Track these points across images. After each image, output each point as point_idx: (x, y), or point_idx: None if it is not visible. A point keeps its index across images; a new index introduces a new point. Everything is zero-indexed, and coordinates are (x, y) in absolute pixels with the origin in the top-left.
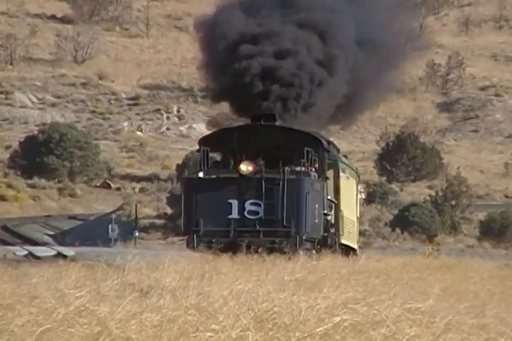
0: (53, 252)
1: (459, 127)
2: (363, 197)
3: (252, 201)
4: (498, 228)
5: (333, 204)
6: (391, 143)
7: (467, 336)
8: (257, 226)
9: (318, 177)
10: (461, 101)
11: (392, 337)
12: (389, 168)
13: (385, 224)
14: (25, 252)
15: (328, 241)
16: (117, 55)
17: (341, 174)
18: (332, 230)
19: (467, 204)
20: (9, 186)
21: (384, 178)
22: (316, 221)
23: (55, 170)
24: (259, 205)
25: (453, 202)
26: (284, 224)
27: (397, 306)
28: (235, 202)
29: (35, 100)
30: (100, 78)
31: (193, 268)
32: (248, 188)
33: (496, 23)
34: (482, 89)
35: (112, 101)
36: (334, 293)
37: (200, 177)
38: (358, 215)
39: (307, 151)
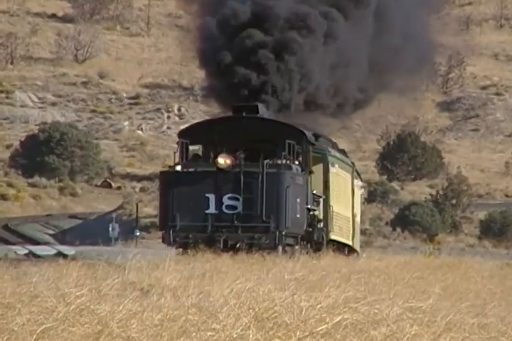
0: (54, 251)
1: (459, 126)
2: (363, 192)
3: (230, 195)
4: (498, 227)
5: (321, 199)
6: (392, 143)
7: (468, 335)
8: (235, 222)
9: (302, 170)
10: (462, 101)
11: (393, 336)
12: (390, 167)
13: (386, 223)
14: (26, 251)
15: (314, 236)
16: (118, 54)
17: (331, 168)
18: (319, 225)
19: (468, 204)
20: (10, 185)
21: (384, 177)
22: (298, 216)
23: (55, 170)
24: (238, 200)
25: (453, 201)
26: (263, 219)
27: (397, 305)
28: (212, 197)
29: (35, 99)
30: (101, 77)
31: (194, 268)
32: (226, 182)
33: (497, 22)
34: (483, 88)
35: (113, 101)
36: (335, 292)
37: (177, 171)
38: (356, 211)
39: (289, 144)
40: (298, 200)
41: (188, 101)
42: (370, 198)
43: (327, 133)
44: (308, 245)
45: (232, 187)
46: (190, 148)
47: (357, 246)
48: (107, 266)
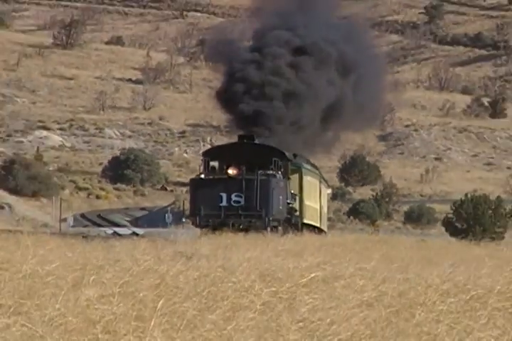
0: (130, 231)
1: (391, 151)
2: (329, 193)
3: (236, 194)
4: (416, 216)
5: (297, 197)
6: (347, 161)
7: (397, 286)
8: (240, 211)
9: (283, 177)
10: (393, 134)
11: (348, 286)
12: (346, 177)
13: (343, 213)
14: (112, 231)
15: (292, 221)
16: (171, 104)
17: (304, 176)
18: (296, 214)
19: (396, 201)
20: (102, 189)
21: (343, 184)
22: (280, 207)
23: (131, 179)
24: (241, 197)
25: (387, 199)
26: (258, 209)
27: (351, 266)
28: (224, 195)
29: (118, 134)
30: (160, 119)
31: (220, 242)
32: (233, 185)
33: (415, 83)
34: (406, 126)
35: (168, 135)
36: (310, 258)
37: (201, 178)
38: (323, 204)
39: (274, 161)
40: (280, 197)
41: (216, 135)
42: (333, 197)
43: (308, 154)
44: (288, 226)
45: (238, 189)
46: (211, 163)
47: (324, 228)
48: (164, 241)
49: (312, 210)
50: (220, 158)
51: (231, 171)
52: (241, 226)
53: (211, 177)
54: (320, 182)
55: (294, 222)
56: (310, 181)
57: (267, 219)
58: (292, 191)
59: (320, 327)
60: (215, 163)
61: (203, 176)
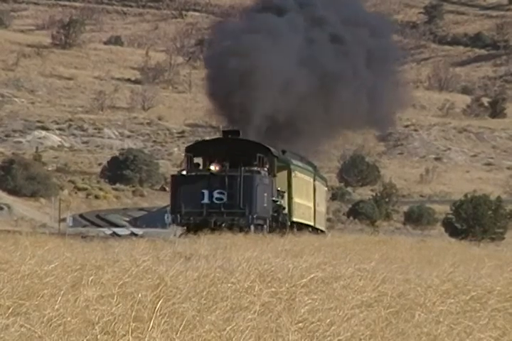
0: (129, 232)
1: (390, 151)
2: (327, 190)
3: (218, 191)
4: (415, 216)
5: (285, 194)
6: (347, 161)
7: (396, 286)
8: (222, 209)
9: (268, 174)
10: (392, 135)
11: (348, 287)
12: (345, 177)
13: (343, 213)
14: (111, 232)
15: (279, 219)
16: (170, 104)
17: (293, 173)
18: (284, 212)
19: (395, 201)
20: (100, 189)
21: (342, 184)
22: (265, 205)
23: (130, 179)
24: (224, 194)
25: (386, 199)
26: (241, 207)
27: (351, 267)
28: (206, 192)
29: (117, 134)
30: (159, 119)
31: (219, 242)
32: (216, 182)
33: (414, 83)
34: (406, 126)
35: (167, 134)
36: (310, 258)
37: (182, 175)
38: (319, 202)
39: (259, 156)
40: (265, 194)
41: (215, 135)
42: (333, 197)
43: (309, 154)
44: (274, 224)
45: (220, 185)
46: (195, 159)
47: (320, 226)
48: (163, 241)
49: (304, 208)
50: (204, 154)
51: (213, 167)
52: (223, 225)
53: (193, 173)
54: (314, 179)
55: (281, 220)
56: (301, 178)
57: (250, 217)
58: (279, 188)
59: (319, 328)
60: (199, 159)
61: (184, 173)
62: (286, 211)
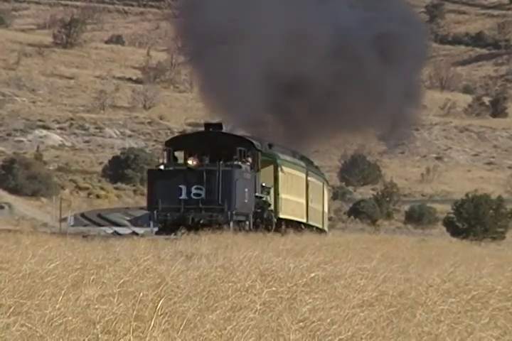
0: (130, 231)
1: (392, 150)
2: (322, 184)
3: (196, 186)
4: (416, 216)
5: (271, 190)
6: (348, 161)
7: (397, 285)
8: (200, 205)
9: (251, 168)
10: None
11: (349, 286)
12: (346, 176)
13: (344, 213)
14: (112, 231)
15: (264, 215)
16: (171, 104)
17: (280, 168)
18: (270, 208)
19: (396, 200)
20: (102, 188)
21: (343, 183)
22: (246, 201)
23: (131, 178)
24: (202, 189)
25: (387, 199)
26: (219, 202)
27: (352, 266)
28: (184, 187)
29: (118, 133)
30: (160, 119)
31: (220, 241)
32: (193, 177)
33: None
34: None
35: (168, 134)
36: (311, 257)
37: (160, 169)
38: (313, 198)
39: (240, 150)
40: (246, 190)
41: None
42: (334, 197)
43: (309, 153)
44: (259, 221)
45: (198, 180)
46: (175, 153)
47: (315, 223)
48: (164, 240)
49: (294, 205)
50: (184, 147)
51: (191, 162)
52: (201, 221)
53: (171, 168)
54: (307, 175)
55: (266, 217)
56: (290, 174)
57: (229, 213)
58: (264, 184)
59: (320, 327)
60: (179, 154)
61: (161, 167)
62: (272, 207)
